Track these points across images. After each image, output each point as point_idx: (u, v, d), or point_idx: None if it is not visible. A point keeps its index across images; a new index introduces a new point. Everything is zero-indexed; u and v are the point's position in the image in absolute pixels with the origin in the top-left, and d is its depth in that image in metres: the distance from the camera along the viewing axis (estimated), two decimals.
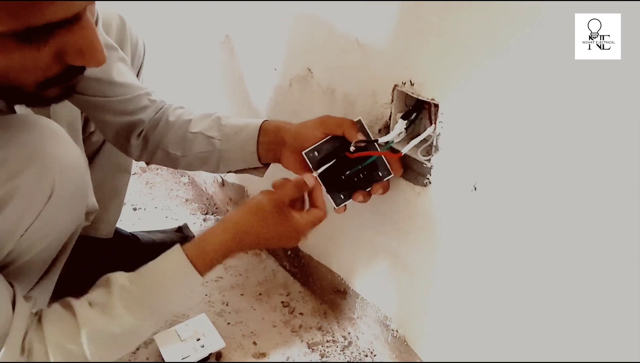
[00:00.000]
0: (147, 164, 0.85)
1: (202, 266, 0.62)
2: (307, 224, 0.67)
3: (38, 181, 0.55)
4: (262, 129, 0.75)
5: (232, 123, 0.77)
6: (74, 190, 0.61)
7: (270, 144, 0.74)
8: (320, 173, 0.69)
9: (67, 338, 0.56)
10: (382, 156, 0.67)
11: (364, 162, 0.67)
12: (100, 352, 0.57)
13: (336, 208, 0.70)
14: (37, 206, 0.56)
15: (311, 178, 0.68)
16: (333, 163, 0.68)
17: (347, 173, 0.68)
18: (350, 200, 0.70)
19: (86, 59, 0.48)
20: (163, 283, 0.61)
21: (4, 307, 0.53)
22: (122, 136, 0.79)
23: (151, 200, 1.34)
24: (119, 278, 0.60)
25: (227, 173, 0.81)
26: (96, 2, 0.50)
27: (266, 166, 0.78)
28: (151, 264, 0.62)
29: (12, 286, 0.56)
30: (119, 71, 0.76)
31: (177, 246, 0.62)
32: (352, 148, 0.66)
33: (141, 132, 0.79)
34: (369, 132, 0.68)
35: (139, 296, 0.59)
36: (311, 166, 0.69)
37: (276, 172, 0.77)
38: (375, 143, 0.67)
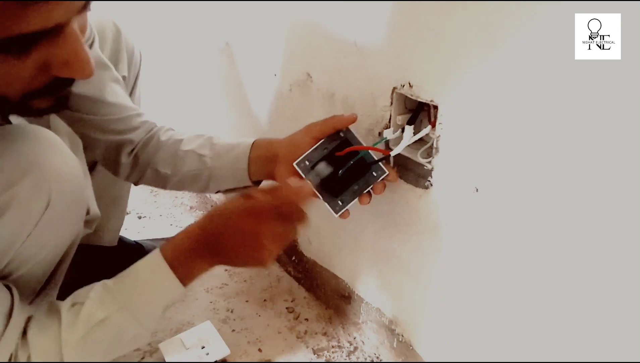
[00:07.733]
0: (136, 184, 0.84)
1: (182, 272, 0.60)
2: (273, 240, 0.59)
3: (34, 191, 0.55)
4: (254, 145, 0.74)
5: (224, 142, 0.77)
6: (72, 200, 0.61)
7: (263, 159, 0.73)
8: (315, 182, 0.67)
9: (49, 346, 0.56)
10: (374, 157, 0.66)
11: (354, 158, 0.66)
12: (78, 354, 0.57)
13: (336, 216, 0.68)
14: (35, 216, 0.56)
15: (296, 181, 0.63)
16: (325, 168, 0.67)
17: (340, 172, 0.67)
18: (351, 204, 0.68)
19: (72, 70, 0.47)
20: (139, 283, 0.61)
21: None
22: (111, 155, 0.79)
23: (156, 208, 1.34)
24: (105, 280, 0.60)
25: (216, 192, 0.80)
26: (91, 14, 0.49)
27: (257, 184, 0.76)
28: (132, 266, 0.62)
29: (11, 293, 0.56)
30: (113, 91, 0.76)
31: (157, 250, 0.61)
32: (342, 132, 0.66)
33: (132, 151, 0.78)
34: (357, 136, 0.67)
35: (115, 293, 0.59)
36: (303, 175, 0.68)
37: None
38: (389, 157, 0.66)
